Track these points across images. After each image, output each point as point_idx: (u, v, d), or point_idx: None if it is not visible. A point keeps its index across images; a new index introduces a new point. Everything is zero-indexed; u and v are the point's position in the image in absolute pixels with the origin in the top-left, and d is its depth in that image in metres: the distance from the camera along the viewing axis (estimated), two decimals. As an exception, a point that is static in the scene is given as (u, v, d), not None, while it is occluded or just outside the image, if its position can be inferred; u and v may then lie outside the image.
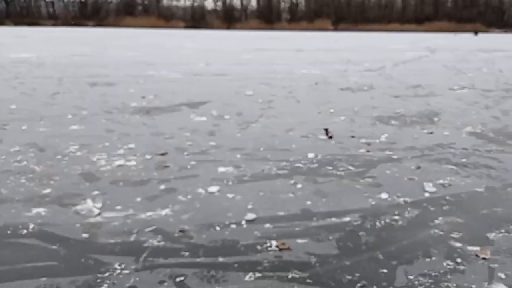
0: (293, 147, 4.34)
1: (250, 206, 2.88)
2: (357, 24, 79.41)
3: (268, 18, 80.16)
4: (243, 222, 2.66)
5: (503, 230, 2.56)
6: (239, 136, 4.80)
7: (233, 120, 5.59)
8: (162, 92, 7.71)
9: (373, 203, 2.97)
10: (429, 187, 3.24)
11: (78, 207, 2.84)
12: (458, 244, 2.39)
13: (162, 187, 3.23)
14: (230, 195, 3.07)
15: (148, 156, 3.97)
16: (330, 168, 3.70)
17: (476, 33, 67.30)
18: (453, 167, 3.76)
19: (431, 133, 4.99)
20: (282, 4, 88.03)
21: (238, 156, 4.03)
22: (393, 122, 5.56)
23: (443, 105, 6.75)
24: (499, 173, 3.60)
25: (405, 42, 34.57)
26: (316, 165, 3.79)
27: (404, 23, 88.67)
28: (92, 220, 2.67)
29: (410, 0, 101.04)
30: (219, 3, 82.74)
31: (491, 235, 2.50)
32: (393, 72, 11.71)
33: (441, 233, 2.53)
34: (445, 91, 8.26)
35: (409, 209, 2.87)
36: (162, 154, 4.04)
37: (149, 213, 2.76)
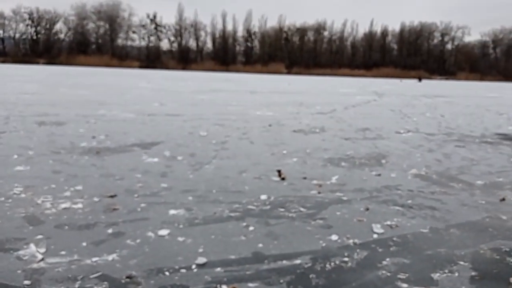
0: (246, 189, 4.35)
1: (201, 250, 2.83)
2: (310, 68, 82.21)
3: (223, 60, 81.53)
4: (194, 266, 2.61)
5: (446, 271, 2.65)
6: (192, 177, 4.76)
7: (186, 161, 5.55)
8: (113, 132, 7.58)
9: (324, 244, 3.00)
10: (377, 228, 3.33)
11: (21, 252, 2.69)
12: (405, 285, 2.44)
13: (110, 231, 3.13)
14: (180, 239, 3.02)
15: (96, 199, 3.85)
16: (282, 210, 3.73)
17: (420, 79, 71.37)
18: (400, 208, 3.89)
19: (379, 175, 5.16)
20: (238, 47, 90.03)
21: (190, 198, 3.99)
22: (343, 164, 5.71)
23: (390, 148, 7.03)
24: (442, 214, 3.76)
25: (355, 86, 36.05)
26: (268, 207, 3.81)
27: (353, 68, 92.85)
28: (35, 265, 2.53)
29: (359, 47, 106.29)
30: (175, 44, 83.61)
31: (435, 276, 2.58)
32: (343, 115, 12.13)
33: (388, 274, 2.58)
34: (392, 134, 8.62)
35: (358, 250, 2.92)
36: (111, 196, 3.93)
37: (95, 259, 2.66)
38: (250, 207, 3.78)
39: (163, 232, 3.12)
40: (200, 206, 3.77)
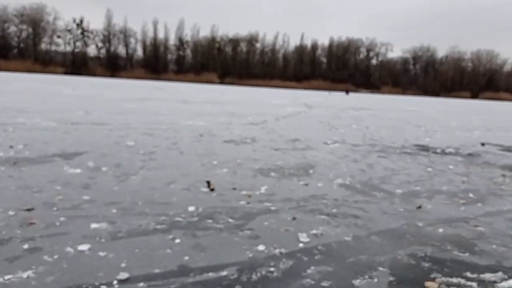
0: (173, 200, 4.27)
1: (123, 265, 2.72)
2: (242, 79, 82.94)
3: (154, 68, 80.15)
4: (115, 282, 2.49)
5: (366, 277, 2.75)
6: (117, 189, 4.59)
7: (111, 172, 5.35)
8: (33, 141, 7.14)
9: (251, 255, 3.00)
10: (303, 237, 3.39)
11: None
12: (328, 293, 2.50)
13: (26, 246, 2.92)
14: (102, 253, 2.88)
15: (11, 212, 3.58)
16: (210, 221, 3.69)
17: (347, 92, 74.53)
18: (325, 217, 4.00)
19: (307, 184, 5.28)
20: (169, 56, 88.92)
21: (114, 211, 3.84)
22: (273, 174, 5.78)
23: (318, 158, 7.23)
24: (364, 222, 3.91)
25: (286, 98, 36.88)
26: (196, 218, 3.75)
27: (285, 80, 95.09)
28: None
29: (290, 59, 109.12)
30: (103, 51, 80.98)
31: (356, 282, 2.67)
32: (274, 126, 12.33)
33: (312, 282, 2.63)
34: (320, 145, 8.89)
35: (284, 260, 2.95)
36: (28, 210, 3.68)
37: (8, 276, 2.46)
38: (177, 219, 3.71)
39: (83, 247, 2.96)
40: (124, 219, 3.63)
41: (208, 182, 4.97)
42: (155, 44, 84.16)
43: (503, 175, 6.59)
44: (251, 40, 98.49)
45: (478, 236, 3.69)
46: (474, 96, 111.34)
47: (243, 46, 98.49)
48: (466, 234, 3.73)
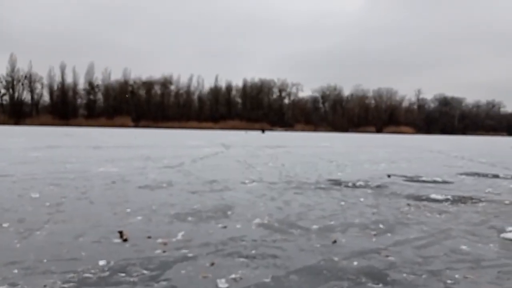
0: (82, 255, 3.98)
1: (23, 335, 2.45)
2: (158, 121, 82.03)
3: (63, 114, 76.61)
4: None
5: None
6: (19, 246, 4.19)
7: (12, 228, 4.89)
8: None
9: (167, 308, 2.85)
10: (222, 283, 3.30)
11: None
12: None
13: None
14: (-3, 324, 2.57)
15: None
16: (123, 274, 3.48)
17: (263, 131, 76.44)
18: (244, 259, 3.95)
19: (225, 227, 5.22)
20: (79, 100, 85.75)
21: (16, 271, 3.48)
22: (190, 218, 5.65)
23: (235, 199, 7.22)
24: (283, 261, 3.92)
25: (203, 139, 36.90)
26: (107, 273, 3.51)
27: (201, 121, 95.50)
28: None
29: (206, 100, 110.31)
30: (6, 97, 76.04)
31: (277, 326, 2.63)
32: (191, 168, 12.20)
33: (232, 331, 2.55)
34: (238, 185, 8.91)
35: (203, 310, 2.84)
36: None
37: None
38: (86, 275, 3.44)
39: (-25, 318, 2.63)
40: (27, 279, 3.31)
41: (121, 232, 4.71)
42: (63, 88, 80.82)
43: (408, 205, 7.03)
44: (165, 83, 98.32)
45: (389, 266, 3.85)
46: (379, 130, 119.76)
47: (157, 89, 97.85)
48: (379, 264, 3.88)
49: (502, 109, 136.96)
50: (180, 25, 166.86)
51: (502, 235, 5.03)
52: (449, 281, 3.47)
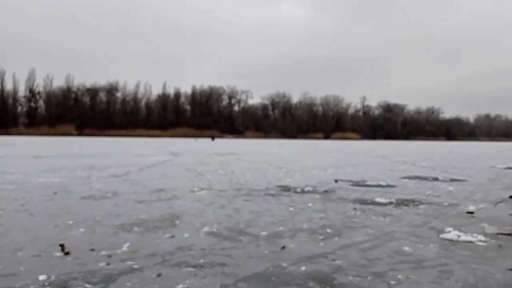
0: (21, 270, 3.75)
1: None
2: (103, 129, 79.71)
3: (2, 122, 72.80)
4: None
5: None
6: None
7: None
8: None
9: (110, 324, 2.73)
10: (169, 294, 3.22)
11: None
12: None
13: None
14: None
15: None
16: (64, 290, 3.31)
17: (213, 138, 76.17)
18: (192, 269, 3.87)
19: (173, 236, 5.11)
20: (19, 108, 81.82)
21: None
22: (136, 229, 5.49)
23: (184, 207, 7.10)
24: (231, 269, 3.88)
25: (151, 147, 36.20)
26: (47, 289, 3.33)
27: (149, 129, 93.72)
28: None
29: (154, 108, 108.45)
30: None
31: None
32: (138, 177, 11.90)
33: None
34: (186, 193, 8.78)
35: (148, 323, 2.75)
36: None
37: None
38: (23, 292, 3.25)
39: None
40: (-45, 301, 3.07)
41: (62, 245, 4.50)
42: (2, 96, 76.77)
43: (355, 209, 7.21)
44: (111, 89, 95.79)
45: (336, 269, 3.91)
46: (326, 136, 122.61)
47: (102, 96, 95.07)
48: (326, 269, 3.93)
49: (441, 115, 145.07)
50: (127, 33, 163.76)
51: (442, 235, 5.25)
52: (392, 282, 3.57)
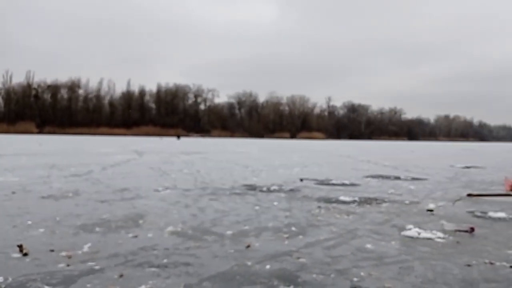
0: (-26, 274, 3.60)
1: None
2: (65, 127, 77.65)
3: (-44, 119, 69.84)
4: None
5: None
6: None
7: None
8: None
9: (70, 326, 2.66)
10: (131, 295, 3.16)
11: None
12: None
13: None
14: None
15: None
16: (20, 293, 3.19)
17: (178, 137, 75.35)
18: (155, 269, 3.82)
19: (136, 236, 5.02)
20: (-25, 104, 78.80)
21: None
22: (97, 229, 5.36)
23: (148, 207, 6.99)
24: (196, 269, 3.85)
25: (115, 145, 35.48)
26: (2, 292, 3.21)
27: (113, 127, 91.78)
28: None
29: (118, 106, 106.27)
30: None
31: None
32: (100, 176, 11.64)
33: None
34: (151, 193, 8.65)
35: (109, 325, 2.68)
36: None
37: None
38: (-24, 296, 3.11)
39: None
40: None
41: (20, 246, 4.34)
42: (-44, 91, 73.38)
43: (319, 207, 7.29)
44: (73, 86, 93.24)
45: (301, 267, 3.94)
46: (293, 136, 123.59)
47: (64, 93, 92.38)
48: (290, 267, 3.95)
49: (403, 116, 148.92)
50: (91, 29, 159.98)
51: (403, 233, 5.39)
52: (355, 279, 3.63)
